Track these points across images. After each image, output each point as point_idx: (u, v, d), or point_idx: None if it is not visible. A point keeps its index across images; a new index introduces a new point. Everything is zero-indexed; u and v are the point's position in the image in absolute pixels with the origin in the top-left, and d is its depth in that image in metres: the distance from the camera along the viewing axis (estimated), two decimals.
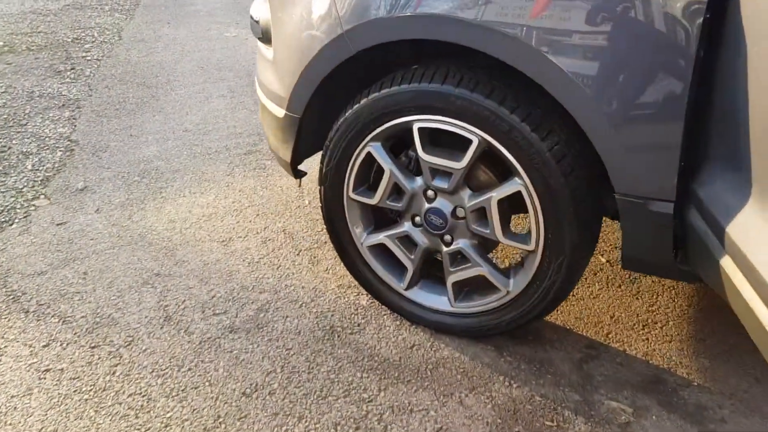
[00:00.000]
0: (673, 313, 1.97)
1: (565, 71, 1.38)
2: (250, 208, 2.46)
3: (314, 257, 2.17)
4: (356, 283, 1.98)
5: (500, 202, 1.63)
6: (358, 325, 1.88)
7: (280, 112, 1.85)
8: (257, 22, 1.93)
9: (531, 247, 1.63)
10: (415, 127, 1.64)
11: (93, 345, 1.78)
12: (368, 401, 1.63)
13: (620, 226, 1.54)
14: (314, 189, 2.54)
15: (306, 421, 1.56)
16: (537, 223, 1.59)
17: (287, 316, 1.90)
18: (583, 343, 1.85)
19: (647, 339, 1.87)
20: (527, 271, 1.68)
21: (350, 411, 1.59)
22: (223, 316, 1.89)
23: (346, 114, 1.73)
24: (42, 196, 2.49)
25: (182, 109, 3.37)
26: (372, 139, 1.72)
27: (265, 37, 1.91)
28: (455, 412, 1.61)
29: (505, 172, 1.65)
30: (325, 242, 2.22)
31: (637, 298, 2.02)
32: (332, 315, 1.91)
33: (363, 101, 1.69)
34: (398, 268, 1.88)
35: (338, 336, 1.83)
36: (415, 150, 1.69)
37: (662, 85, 1.33)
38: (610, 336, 1.87)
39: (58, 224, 2.32)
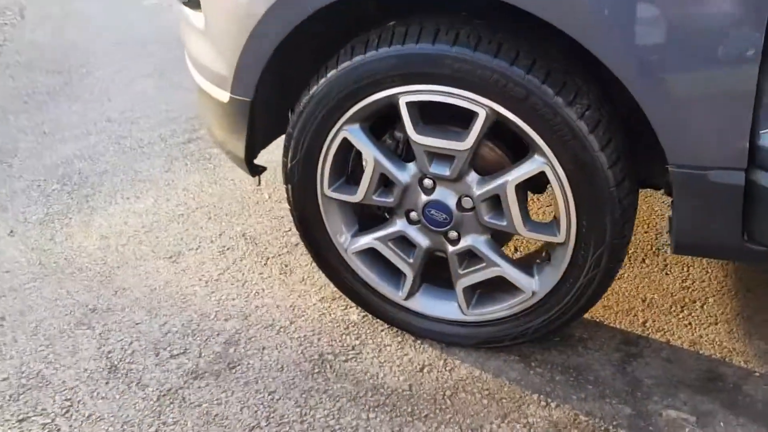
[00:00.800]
0: (710, 287, 1.70)
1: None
2: (198, 210, 2.07)
3: (285, 265, 1.81)
4: (342, 294, 1.63)
5: (518, 186, 1.30)
6: (353, 348, 1.54)
7: (224, 96, 1.46)
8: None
9: (560, 238, 1.32)
10: (402, 101, 1.29)
11: (21, 417, 1.39)
12: None
13: (673, 203, 1.23)
14: (275, 181, 2.16)
15: None
16: (567, 208, 1.27)
17: (264, 348, 1.54)
18: (619, 338, 1.56)
19: (689, 324, 1.59)
20: (556, 267, 1.37)
21: None
22: (183, 357, 1.52)
23: (312, 91, 1.36)
24: None
25: (103, 95, 2.90)
26: (347, 121, 1.36)
27: (192, 0, 1.50)
28: None
29: (520, 149, 1.31)
30: (297, 244, 1.86)
31: (666, 274, 1.74)
32: (319, 339, 1.56)
33: (331, 73, 1.32)
34: (394, 273, 1.54)
35: (330, 366, 1.49)
36: (403, 130, 1.33)
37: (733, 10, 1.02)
38: (647, 325, 1.59)
39: None
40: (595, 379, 1.45)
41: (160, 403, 1.41)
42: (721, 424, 1.35)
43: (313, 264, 1.64)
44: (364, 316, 1.62)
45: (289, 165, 1.46)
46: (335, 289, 1.64)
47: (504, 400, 1.40)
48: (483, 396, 1.41)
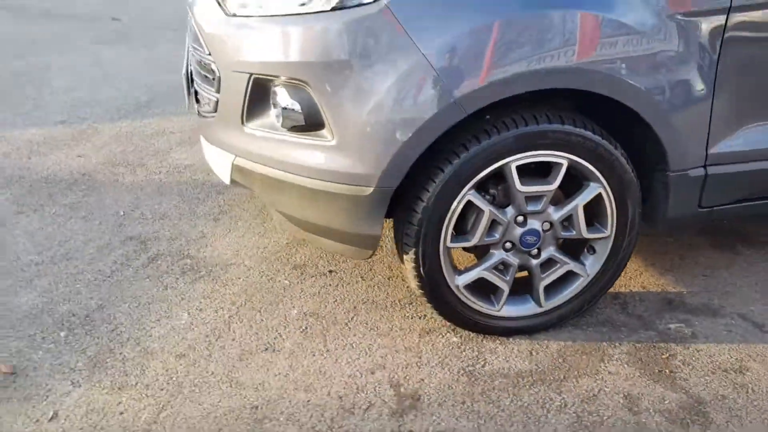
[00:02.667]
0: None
1: (641, 87, 1.82)
2: (244, 307, 2.25)
3: (369, 324, 2.18)
4: (445, 324, 2.10)
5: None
6: (478, 357, 2.03)
7: (365, 190, 1.84)
8: (295, 110, 1.84)
9: (607, 233, 2.05)
10: (512, 166, 1.88)
11: None
12: None
13: (665, 198, 2.04)
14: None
15: None
16: (611, 213, 2.01)
17: (428, 380, 1.94)
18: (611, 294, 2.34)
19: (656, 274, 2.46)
20: (600, 254, 2.09)
21: None
22: (374, 410, 1.84)
23: (446, 170, 1.85)
24: None
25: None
26: (471, 187, 1.89)
27: (311, 124, 1.84)
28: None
29: (569, 184, 2.00)
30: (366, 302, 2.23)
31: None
32: (448, 359, 2.02)
33: (463, 155, 1.84)
34: (486, 295, 2.08)
35: (479, 372, 1.97)
36: (508, 185, 1.92)
37: (699, 87, 1.88)
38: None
39: None
40: (624, 321, 2.21)
41: None
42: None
43: (393, 317, 2.06)
44: (462, 336, 2.11)
45: (419, 230, 1.90)
46: (424, 326, 2.09)
47: (586, 351, 2.07)
48: (576, 353, 2.06)
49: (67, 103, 4.06)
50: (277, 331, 2.14)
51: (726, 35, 1.85)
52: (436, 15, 1.72)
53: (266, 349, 2.06)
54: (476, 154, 1.84)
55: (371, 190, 1.83)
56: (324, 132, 1.83)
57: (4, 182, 3.06)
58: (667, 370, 2.00)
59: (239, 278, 2.39)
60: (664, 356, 2.06)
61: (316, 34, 1.78)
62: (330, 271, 2.44)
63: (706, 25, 1.83)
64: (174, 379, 1.94)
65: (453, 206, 1.89)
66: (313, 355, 2.03)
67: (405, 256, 1.97)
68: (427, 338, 2.11)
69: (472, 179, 1.87)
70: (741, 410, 1.85)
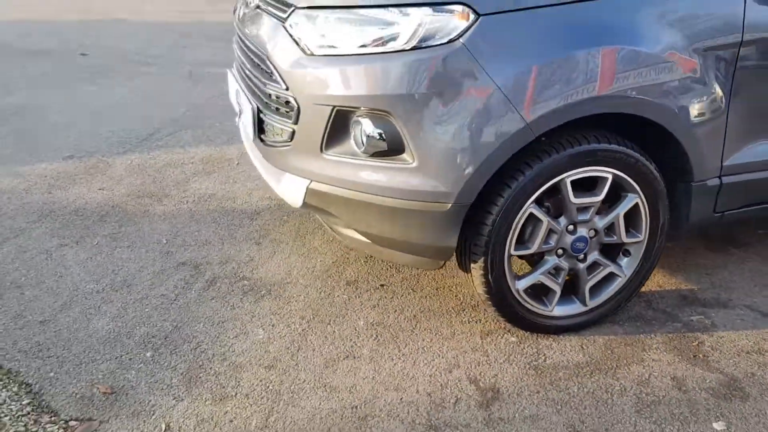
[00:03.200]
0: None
1: (674, 110, 2.13)
2: (313, 321, 2.42)
3: (434, 330, 2.39)
4: (504, 325, 2.34)
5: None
6: (537, 353, 2.28)
7: (444, 206, 2.07)
8: (378, 137, 2.05)
9: (641, 237, 2.34)
10: (567, 181, 2.15)
11: None
12: None
13: (688, 205, 2.36)
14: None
15: None
16: (645, 219, 2.31)
17: (505, 371, 2.17)
18: None
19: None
20: (635, 256, 2.38)
21: None
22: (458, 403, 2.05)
23: (512, 185, 2.10)
24: None
25: None
26: (532, 201, 2.15)
27: (392, 149, 2.06)
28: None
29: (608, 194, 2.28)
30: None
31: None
32: (514, 356, 2.25)
33: (528, 172, 2.10)
34: (540, 298, 2.34)
35: (544, 364, 2.21)
36: (562, 198, 2.19)
37: (717, 109, 2.21)
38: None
39: None
40: (652, 315, 2.50)
41: None
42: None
43: (448, 324, 2.29)
44: (519, 335, 2.36)
45: (488, 240, 2.14)
46: (482, 329, 2.33)
47: (628, 343, 2.34)
48: (620, 344, 2.33)
49: (70, 138, 4.12)
50: (351, 340, 2.32)
51: (738, 65, 2.19)
52: (507, 52, 1.98)
53: (347, 357, 2.24)
54: (539, 171, 2.10)
55: (449, 206, 2.06)
56: (405, 156, 2.05)
57: (36, 217, 3.13)
58: (700, 355, 2.29)
59: (299, 296, 2.56)
60: (694, 344, 2.35)
61: (398, 70, 2.00)
62: (381, 285, 2.64)
63: (723, 57, 2.16)
64: (270, 387, 2.09)
65: (517, 218, 2.15)
66: (392, 360, 2.23)
67: (473, 265, 2.21)
68: (488, 339, 2.33)
69: (534, 194, 2.13)
70: None
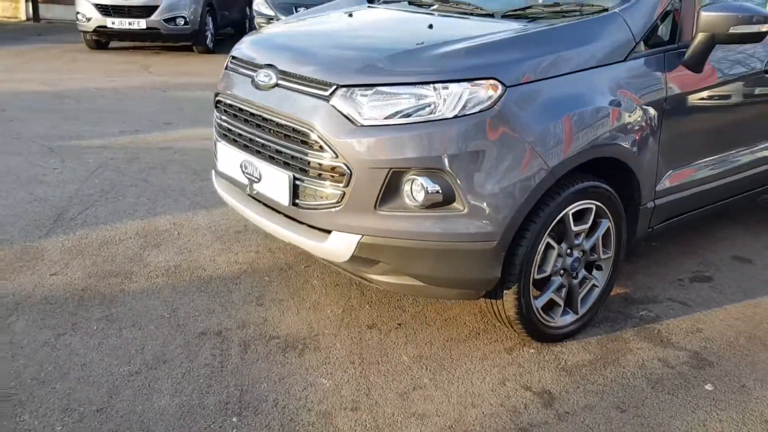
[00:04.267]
0: None
1: (635, 151, 2.80)
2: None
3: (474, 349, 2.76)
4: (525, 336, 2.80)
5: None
6: (555, 357, 2.77)
7: (490, 244, 2.48)
8: (434, 192, 2.42)
9: (611, 254, 2.96)
10: (570, 213, 2.70)
11: None
12: None
13: (635, 224, 3.03)
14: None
15: None
16: (613, 239, 2.94)
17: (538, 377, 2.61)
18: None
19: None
20: (606, 270, 2.99)
21: None
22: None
23: (536, 221, 2.59)
24: None
25: None
26: (548, 233, 2.66)
27: (447, 200, 2.45)
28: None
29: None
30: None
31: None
32: (537, 362, 2.72)
33: (546, 209, 2.60)
34: (546, 311, 2.83)
35: (561, 364, 2.70)
36: (565, 227, 2.72)
37: (654, 146, 2.93)
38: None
39: None
40: (614, 316, 3.12)
41: None
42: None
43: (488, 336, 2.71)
44: (535, 347, 2.82)
45: (520, 268, 2.59)
46: (504, 346, 2.78)
47: (612, 339, 2.93)
48: (608, 341, 2.90)
49: None
50: (408, 373, 2.61)
51: (664, 114, 2.92)
52: (531, 113, 2.48)
53: (415, 388, 2.52)
54: (554, 208, 2.61)
55: (495, 243, 2.49)
56: (455, 204, 2.44)
57: (5, 311, 2.94)
58: (664, 339, 2.94)
59: (335, 344, 2.78)
60: (654, 332, 3.00)
61: (448, 134, 2.40)
62: (399, 325, 2.95)
63: (654, 109, 2.87)
64: (368, 425, 2.31)
65: (539, 248, 2.63)
66: (452, 383, 2.56)
67: (507, 291, 2.63)
68: (514, 353, 2.76)
69: (550, 226, 2.63)
70: (722, 350, 2.85)
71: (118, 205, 4.20)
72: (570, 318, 2.89)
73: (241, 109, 2.88)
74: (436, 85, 2.43)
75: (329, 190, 2.54)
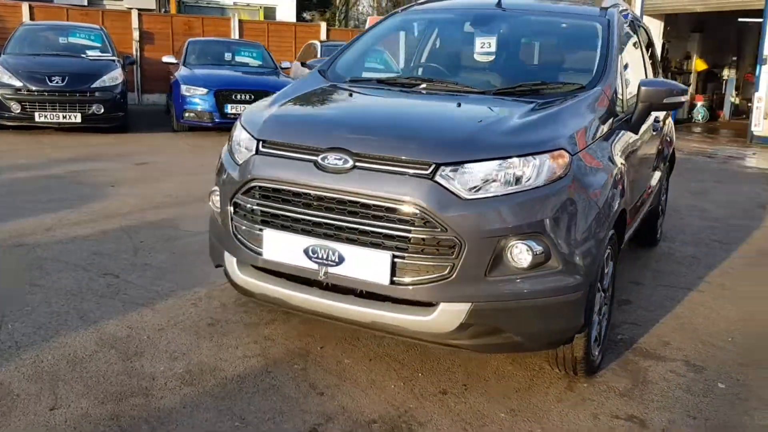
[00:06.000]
0: None
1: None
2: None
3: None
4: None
5: None
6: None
7: (579, 295, 2.80)
8: (537, 253, 2.67)
9: (611, 290, 3.48)
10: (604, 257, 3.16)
11: None
12: None
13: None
14: None
15: None
16: (613, 276, 3.47)
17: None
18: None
19: None
20: (610, 304, 3.50)
21: None
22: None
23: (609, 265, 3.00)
24: None
25: None
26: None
27: (546, 259, 2.71)
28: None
29: None
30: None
31: None
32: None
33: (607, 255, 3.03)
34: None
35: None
36: (602, 270, 3.17)
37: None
38: None
39: None
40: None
41: None
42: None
43: None
44: (585, 380, 3.19)
45: (589, 312, 2.95)
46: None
47: (625, 361, 3.43)
48: (624, 363, 3.40)
49: None
50: (518, 427, 2.77)
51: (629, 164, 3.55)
52: (590, 177, 2.90)
53: (499, 419, 2.71)
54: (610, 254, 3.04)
55: (582, 292, 2.82)
56: (552, 263, 2.72)
57: None
58: (655, 354, 3.52)
59: (432, 416, 2.81)
60: (644, 348, 3.57)
61: (544, 200, 2.69)
62: (464, 386, 3.08)
63: (625, 162, 3.49)
64: None
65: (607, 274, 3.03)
66: (561, 428, 2.79)
67: (578, 335, 2.96)
68: (576, 391, 3.08)
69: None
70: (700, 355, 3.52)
71: (37, 317, 3.58)
72: (597, 350, 3.31)
73: (300, 194, 2.79)
74: (526, 158, 2.70)
75: (436, 263, 2.62)
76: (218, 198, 3.19)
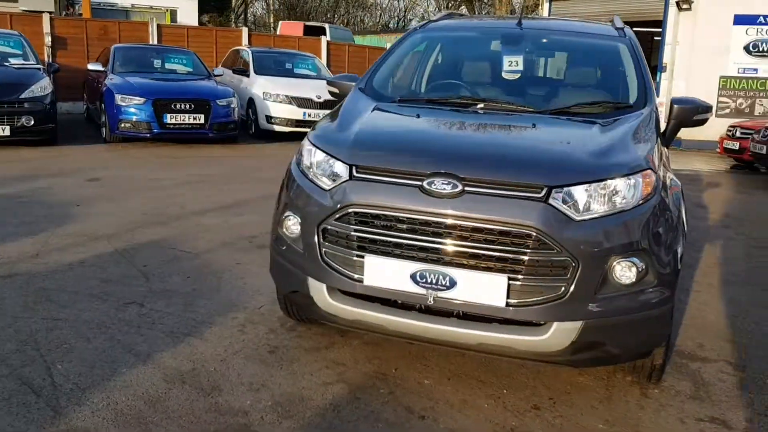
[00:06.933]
0: None
1: None
2: None
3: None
4: None
5: None
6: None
7: (669, 306, 2.97)
8: (642, 270, 2.80)
9: None
10: None
11: None
12: None
13: None
14: None
15: None
16: None
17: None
18: None
19: None
20: None
21: None
22: None
23: None
24: None
25: None
26: None
27: (646, 275, 2.86)
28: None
29: None
30: None
31: None
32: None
33: None
34: None
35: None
36: None
37: None
38: None
39: None
40: None
41: None
42: None
43: None
44: (644, 385, 3.36)
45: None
46: (640, 392, 3.28)
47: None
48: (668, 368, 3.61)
49: None
50: (585, 429, 2.90)
51: None
52: (669, 196, 3.06)
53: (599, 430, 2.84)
54: None
55: (671, 304, 2.98)
56: (648, 278, 2.87)
57: None
58: (686, 353, 3.76)
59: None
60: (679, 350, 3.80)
61: (643, 218, 2.84)
62: (551, 399, 3.18)
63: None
64: None
65: None
66: (630, 422, 2.94)
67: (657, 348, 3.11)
68: (651, 398, 3.25)
69: None
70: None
71: (82, 355, 3.37)
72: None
73: (404, 219, 2.79)
74: (625, 179, 2.83)
75: (549, 284, 2.70)
76: (292, 223, 3.12)
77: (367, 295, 2.92)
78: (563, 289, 2.68)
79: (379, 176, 2.87)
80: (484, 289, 2.70)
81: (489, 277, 2.69)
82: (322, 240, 2.95)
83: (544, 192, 2.70)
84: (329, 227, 2.92)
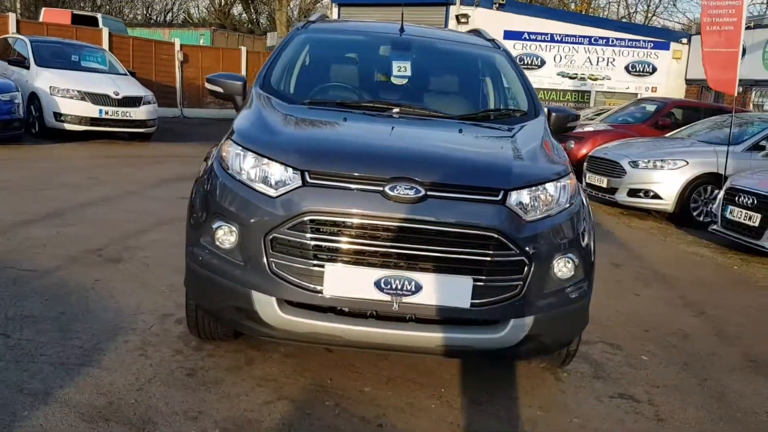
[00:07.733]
0: None
1: None
2: None
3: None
4: None
5: None
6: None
7: (591, 292, 3.26)
8: (578, 264, 3.04)
9: None
10: None
11: None
12: None
13: None
14: None
15: None
16: None
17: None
18: None
19: None
20: None
21: None
22: None
23: None
24: None
25: None
26: None
27: (577, 269, 3.12)
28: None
29: None
30: None
31: None
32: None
33: None
34: None
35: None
36: None
37: None
38: None
39: None
40: None
41: None
42: None
43: None
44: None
45: None
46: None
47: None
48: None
49: None
50: (525, 418, 3.12)
51: None
52: (583, 197, 3.36)
53: (535, 416, 3.10)
54: None
55: (590, 295, 3.28)
56: (578, 272, 3.10)
57: None
58: None
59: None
60: None
61: (578, 218, 3.09)
62: (476, 403, 3.33)
63: None
64: None
65: None
66: (560, 405, 3.22)
67: None
68: (545, 373, 3.55)
69: None
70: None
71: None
72: None
73: (366, 225, 2.73)
74: (557, 182, 3.04)
75: (508, 283, 2.83)
76: (225, 233, 2.89)
77: (320, 305, 2.80)
78: (519, 287, 2.81)
79: (336, 182, 2.76)
80: (449, 291, 2.74)
81: (455, 279, 2.73)
82: (270, 250, 2.77)
83: (501, 195, 2.80)
84: (279, 236, 2.75)
